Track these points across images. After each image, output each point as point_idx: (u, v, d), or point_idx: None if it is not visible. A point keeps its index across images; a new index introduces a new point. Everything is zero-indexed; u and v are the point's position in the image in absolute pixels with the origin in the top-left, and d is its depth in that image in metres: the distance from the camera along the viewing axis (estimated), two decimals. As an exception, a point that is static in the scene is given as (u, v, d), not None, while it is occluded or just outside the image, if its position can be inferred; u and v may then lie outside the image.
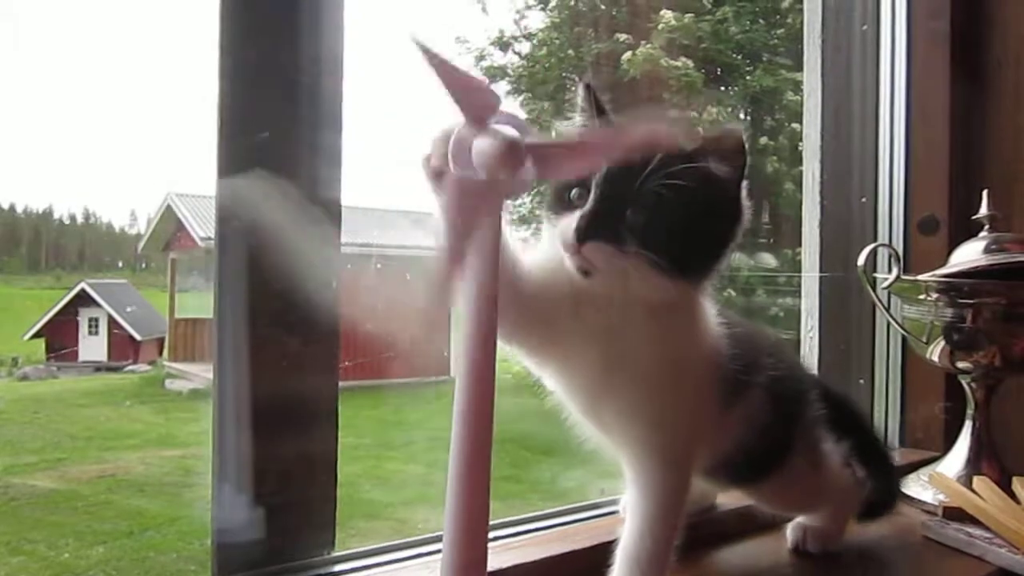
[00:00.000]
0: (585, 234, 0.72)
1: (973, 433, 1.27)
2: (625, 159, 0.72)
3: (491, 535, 0.73)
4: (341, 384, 0.96)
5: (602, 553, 0.88)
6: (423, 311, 0.69)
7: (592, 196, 0.73)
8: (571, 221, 0.73)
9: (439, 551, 0.71)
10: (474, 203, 0.68)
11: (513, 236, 0.77)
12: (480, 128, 0.67)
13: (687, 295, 0.77)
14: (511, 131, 0.67)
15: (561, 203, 0.76)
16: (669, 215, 0.71)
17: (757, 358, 0.91)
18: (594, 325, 0.77)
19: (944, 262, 1.28)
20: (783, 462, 0.97)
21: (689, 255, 0.74)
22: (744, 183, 0.76)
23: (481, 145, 0.66)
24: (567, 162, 0.72)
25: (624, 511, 1.00)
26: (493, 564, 0.74)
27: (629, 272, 0.72)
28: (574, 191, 0.75)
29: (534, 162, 0.68)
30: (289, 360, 0.90)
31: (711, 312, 0.84)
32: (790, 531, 1.06)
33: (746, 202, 0.77)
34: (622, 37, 7.40)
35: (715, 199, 0.74)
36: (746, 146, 0.73)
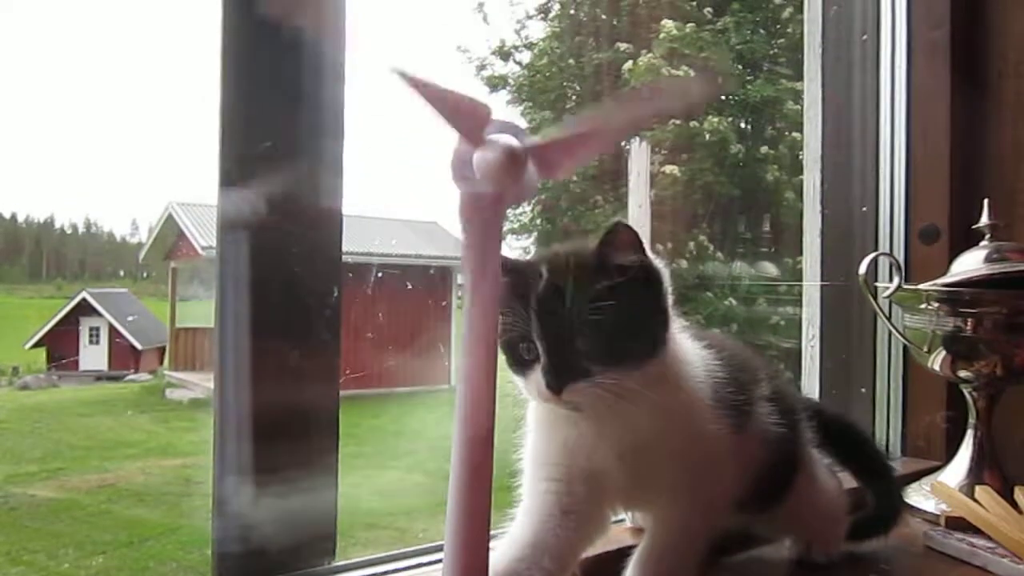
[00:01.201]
0: (558, 383, 0.75)
1: (975, 442, 1.27)
2: (543, 287, 0.76)
3: (492, 544, 0.73)
4: (341, 393, 0.96)
5: (604, 562, 0.87)
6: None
7: (541, 348, 0.76)
8: (537, 376, 0.77)
9: (440, 560, 0.71)
10: (488, 216, 0.68)
11: None
12: (477, 142, 0.67)
13: (660, 366, 0.80)
14: (509, 139, 0.67)
15: (517, 361, 0.79)
16: (611, 329, 0.75)
17: (753, 379, 0.93)
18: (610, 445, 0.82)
19: (945, 271, 1.28)
20: (793, 483, 0.98)
21: (642, 341, 0.78)
22: (648, 254, 0.79)
23: (481, 158, 0.67)
24: (568, 156, 0.72)
25: (633, 520, 1.02)
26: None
27: (610, 393, 0.76)
28: (521, 346, 0.78)
29: (537, 164, 0.69)
30: (290, 370, 0.90)
31: (687, 352, 0.85)
32: (791, 542, 1.06)
33: (662, 268, 0.80)
34: (623, 47, 7.43)
35: (638, 290, 0.77)
36: (636, 233, 0.77)
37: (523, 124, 0.69)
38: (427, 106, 0.65)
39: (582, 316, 0.75)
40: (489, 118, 0.68)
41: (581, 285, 0.75)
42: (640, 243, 0.77)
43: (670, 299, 0.81)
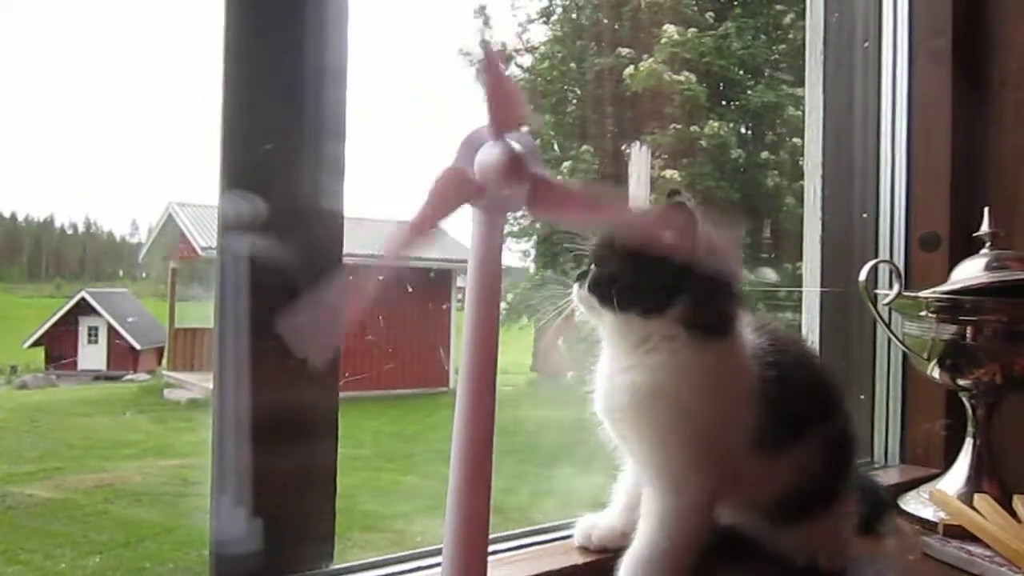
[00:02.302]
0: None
1: (974, 450, 1.27)
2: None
3: (490, 548, 0.73)
4: (340, 395, 0.96)
5: (601, 568, 0.87)
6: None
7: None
8: None
9: (438, 564, 0.71)
10: (455, 192, 0.69)
11: None
12: (497, 137, 0.68)
13: (707, 348, 0.84)
14: (523, 149, 0.68)
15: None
16: None
17: (814, 407, 0.96)
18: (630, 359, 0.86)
19: (945, 279, 1.28)
20: (827, 506, 0.99)
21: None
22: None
23: (488, 150, 0.68)
24: (559, 205, 0.74)
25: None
26: (492, 578, 0.73)
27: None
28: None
29: (531, 189, 0.69)
30: (290, 371, 0.89)
31: (742, 361, 0.88)
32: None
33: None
34: (624, 51, 7.44)
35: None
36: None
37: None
38: (486, 82, 0.67)
39: None
40: (521, 126, 0.70)
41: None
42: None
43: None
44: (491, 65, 0.66)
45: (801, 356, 1.00)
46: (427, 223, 0.68)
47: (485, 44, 0.71)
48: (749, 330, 0.91)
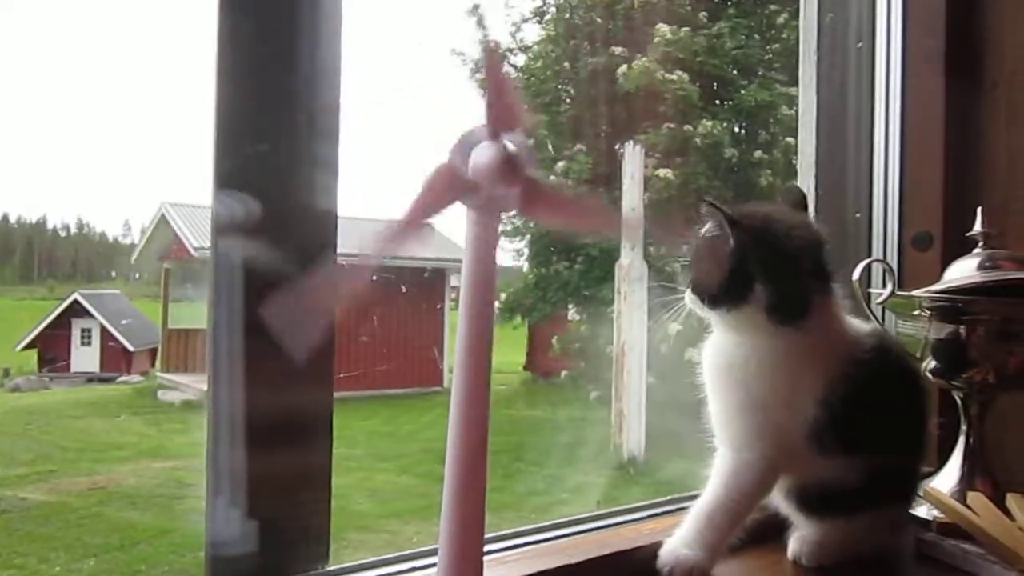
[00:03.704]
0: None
1: (967, 449, 1.27)
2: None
3: (486, 548, 0.73)
4: (335, 395, 0.96)
5: (598, 567, 0.87)
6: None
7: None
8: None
9: (434, 564, 0.71)
10: (447, 189, 0.70)
11: None
12: (493, 138, 0.68)
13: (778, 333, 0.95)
14: (519, 150, 0.68)
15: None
16: None
17: (884, 433, 1.00)
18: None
19: (938, 278, 1.28)
20: (865, 511, 1.03)
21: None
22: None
23: (483, 150, 0.67)
24: (551, 209, 0.76)
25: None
26: (488, 578, 0.73)
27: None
28: None
29: (524, 195, 0.69)
30: (284, 372, 0.89)
31: (812, 352, 0.97)
32: (792, 543, 1.06)
33: None
34: (618, 50, 7.45)
35: None
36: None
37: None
38: (487, 82, 0.69)
39: None
40: (519, 127, 0.70)
41: None
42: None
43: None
44: (492, 65, 0.67)
45: (895, 378, 1.06)
46: (417, 219, 0.68)
47: (487, 44, 0.75)
48: (851, 329, 1.02)
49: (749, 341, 0.97)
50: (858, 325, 1.04)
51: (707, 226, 0.99)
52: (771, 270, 0.95)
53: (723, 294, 0.97)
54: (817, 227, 1.03)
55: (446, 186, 0.69)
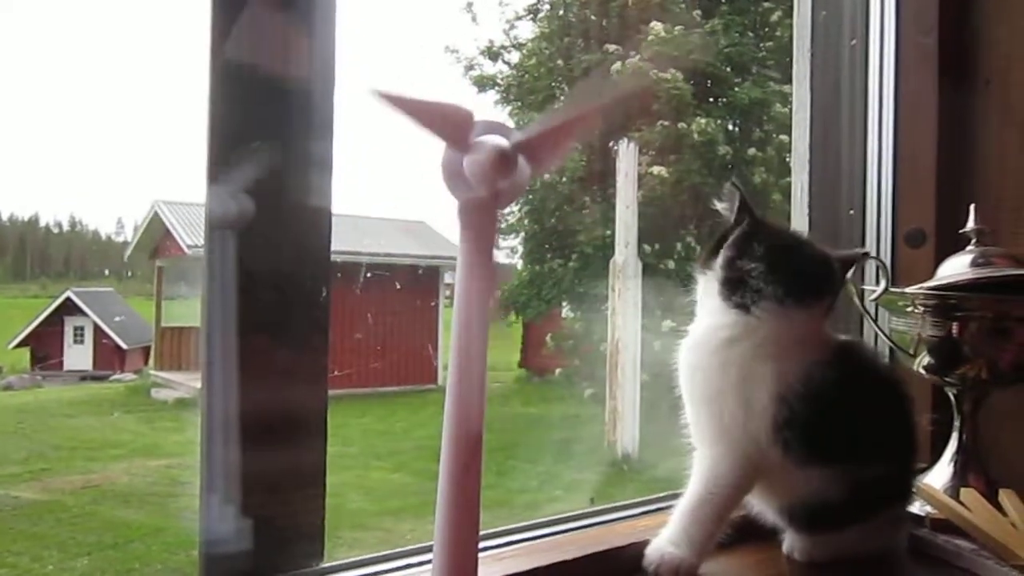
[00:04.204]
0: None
1: (960, 445, 1.27)
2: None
3: (480, 545, 0.73)
4: (329, 392, 0.95)
5: (592, 563, 0.87)
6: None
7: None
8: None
9: (429, 561, 0.71)
10: (484, 217, 0.69)
11: None
12: (465, 147, 0.68)
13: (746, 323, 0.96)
14: (496, 139, 0.68)
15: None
16: None
17: (864, 447, 0.99)
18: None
19: (931, 275, 1.28)
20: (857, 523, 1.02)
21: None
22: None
23: (472, 161, 0.67)
24: (554, 146, 0.74)
25: None
26: (483, 574, 0.73)
27: None
28: None
29: (527, 158, 0.69)
30: (278, 370, 0.89)
31: (763, 352, 0.95)
32: (787, 538, 1.06)
33: None
34: (611, 48, 7.45)
35: None
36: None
37: (508, 122, 0.70)
38: (409, 120, 0.66)
39: None
40: (472, 121, 0.69)
41: None
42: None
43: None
44: (394, 103, 0.65)
45: (866, 383, 1.03)
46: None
47: (375, 92, 0.71)
48: (819, 336, 0.99)
49: (713, 334, 0.97)
50: (833, 335, 1.02)
51: (723, 204, 1.03)
52: (754, 250, 0.97)
53: (707, 257, 1.01)
54: (832, 254, 1.05)
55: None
